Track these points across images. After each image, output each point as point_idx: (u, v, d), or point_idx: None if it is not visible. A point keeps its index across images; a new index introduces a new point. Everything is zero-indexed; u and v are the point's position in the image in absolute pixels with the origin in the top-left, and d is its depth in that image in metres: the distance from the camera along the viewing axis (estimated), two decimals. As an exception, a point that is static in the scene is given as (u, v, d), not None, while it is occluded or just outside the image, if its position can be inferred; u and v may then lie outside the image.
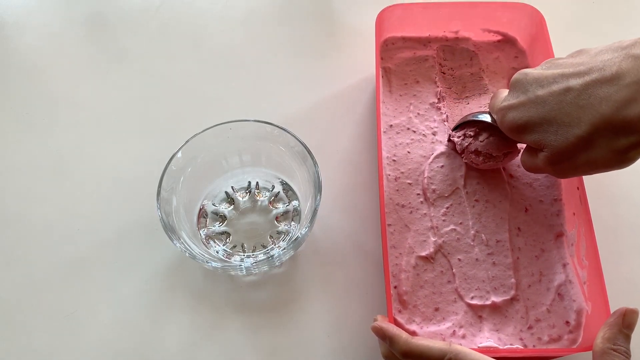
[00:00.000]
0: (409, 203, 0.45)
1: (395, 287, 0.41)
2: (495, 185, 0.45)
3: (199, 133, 0.44)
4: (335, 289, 0.45)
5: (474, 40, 0.54)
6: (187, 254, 0.40)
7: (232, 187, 0.49)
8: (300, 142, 0.43)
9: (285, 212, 0.48)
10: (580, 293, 0.40)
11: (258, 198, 0.48)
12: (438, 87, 0.51)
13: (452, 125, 0.49)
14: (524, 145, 0.40)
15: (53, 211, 0.49)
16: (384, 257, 0.39)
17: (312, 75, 0.57)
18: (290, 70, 0.58)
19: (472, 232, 0.44)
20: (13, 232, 0.48)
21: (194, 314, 0.44)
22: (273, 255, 0.41)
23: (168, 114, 0.55)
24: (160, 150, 0.45)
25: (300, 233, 0.41)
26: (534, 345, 0.39)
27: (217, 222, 0.47)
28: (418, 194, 0.45)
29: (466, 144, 0.44)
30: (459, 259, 0.43)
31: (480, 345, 0.39)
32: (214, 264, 0.40)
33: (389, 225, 0.44)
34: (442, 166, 0.46)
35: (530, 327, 0.40)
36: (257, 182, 0.49)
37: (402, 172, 0.46)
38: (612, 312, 0.35)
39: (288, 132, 0.44)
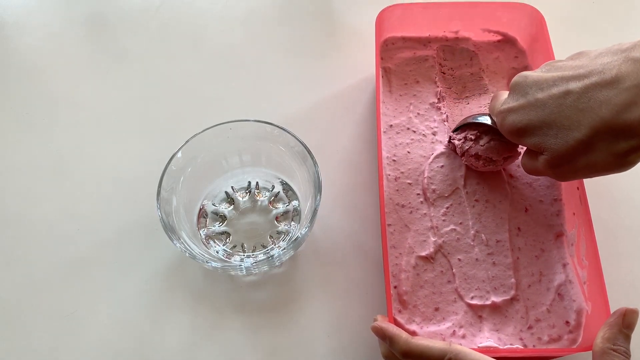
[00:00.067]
0: (409, 203, 0.45)
1: (395, 287, 0.41)
2: (495, 185, 0.45)
3: (199, 133, 0.44)
4: (335, 289, 0.45)
5: (474, 40, 0.54)
6: (187, 254, 0.40)
7: (232, 187, 0.49)
8: (300, 142, 0.43)
9: (285, 212, 0.48)
10: (580, 293, 0.40)
11: (258, 198, 0.48)
12: (438, 87, 0.51)
13: (452, 125, 0.49)
14: (525, 148, 0.40)
15: (53, 211, 0.49)
16: (384, 257, 0.39)
17: (312, 75, 0.57)
18: (290, 70, 0.58)
19: (472, 232, 0.44)
20: (13, 232, 0.48)
21: (194, 314, 0.44)
22: (273, 255, 0.41)
23: (168, 114, 0.55)
24: (160, 150, 0.45)
25: (300, 233, 0.41)
26: (534, 345, 0.39)
27: (217, 222, 0.47)
28: (418, 194, 0.45)
29: (467, 147, 0.44)
30: (459, 259, 0.43)
31: (480, 345, 0.39)
32: (214, 264, 0.40)
33: (389, 225, 0.44)
34: (442, 166, 0.46)
35: (530, 327, 0.40)
36: (257, 182, 0.49)
37: (402, 172, 0.46)
38: (612, 312, 0.35)
39: (288, 132, 0.44)
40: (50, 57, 0.59)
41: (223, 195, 0.48)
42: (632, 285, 0.44)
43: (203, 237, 0.46)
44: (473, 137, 0.43)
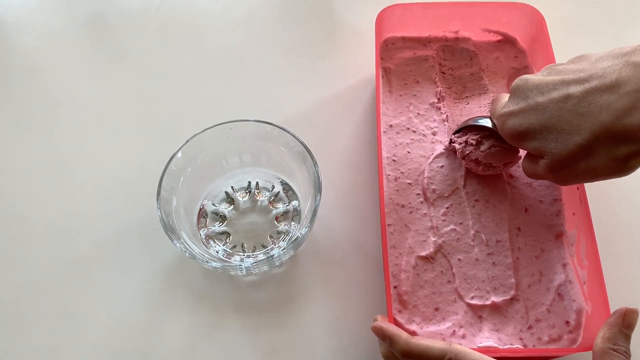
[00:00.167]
0: (409, 203, 0.45)
1: (395, 287, 0.41)
2: (495, 185, 0.45)
3: (199, 133, 0.44)
4: (335, 289, 0.45)
5: (474, 40, 0.54)
6: (187, 254, 0.40)
7: (232, 187, 0.49)
8: (300, 142, 0.43)
9: (285, 212, 0.48)
10: (580, 293, 0.40)
11: (258, 198, 0.48)
12: (438, 87, 0.51)
13: (452, 125, 0.49)
14: (525, 152, 0.40)
15: (53, 211, 0.49)
16: (384, 257, 0.39)
17: (312, 75, 0.57)
18: (290, 70, 0.58)
19: (472, 232, 0.44)
20: (13, 232, 0.48)
21: (194, 314, 0.44)
22: (273, 255, 0.41)
23: (168, 114, 0.55)
24: (160, 150, 0.45)
25: (300, 233, 0.41)
26: (534, 345, 0.39)
27: (217, 222, 0.47)
28: (418, 194, 0.45)
29: (467, 151, 0.43)
30: (459, 259, 0.43)
31: (480, 345, 0.39)
32: (214, 264, 0.40)
33: (389, 225, 0.44)
34: (442, 166, 0.46)
35: (530, 327, 0.40)
36: (257, 182, 0.49)
37: (402, 172, 0.46)
38: (612, 312, 0.35)
39: (288, 132, 0.44)
40: (50, 57, 0.59)
41: (223, 195, 0.48)
42: (632, 285, 0.44)
43: (203, 237, 0.46)
44: (474, 143, 0.43)
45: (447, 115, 0.49)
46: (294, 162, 0.46)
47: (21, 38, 0.61)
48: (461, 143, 0.44)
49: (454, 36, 0.54)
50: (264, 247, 0.46)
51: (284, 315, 0.44)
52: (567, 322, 0.40)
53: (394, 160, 0.47)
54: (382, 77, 0.52)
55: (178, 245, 0.40)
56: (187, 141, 0.43)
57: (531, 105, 0.35)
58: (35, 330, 0.44)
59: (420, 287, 0.42)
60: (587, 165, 0.34)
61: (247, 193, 0.49)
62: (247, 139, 0.46)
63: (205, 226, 0.47)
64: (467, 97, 0.51)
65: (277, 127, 0.44)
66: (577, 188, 0.42)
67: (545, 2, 0.55)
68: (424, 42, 0.54)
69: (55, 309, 0.44)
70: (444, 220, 0.44)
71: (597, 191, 0.47)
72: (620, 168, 0.33)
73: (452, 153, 0.47)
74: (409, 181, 0.46)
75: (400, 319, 0.40)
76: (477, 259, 0.42)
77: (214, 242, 0.46)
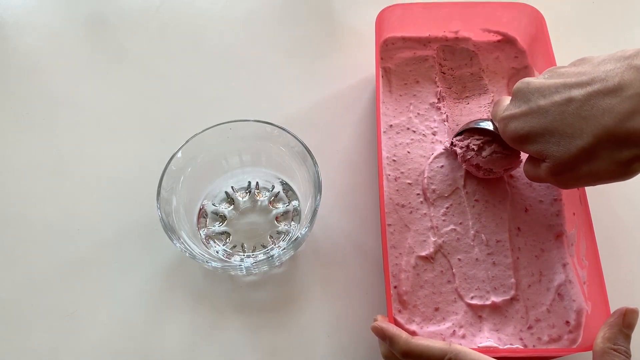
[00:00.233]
0: (409, 203, 0.45)
1: (395, 287, 0.41)
2: (495, 185, 0.45)
3: (199, 133, 0.44)
4: (335, 289, 0.45)
5: (474, 40, 0.54)
6: (187, 254, 0.40)
7: (232, 187, 0.49)
8: (300, 142, 0.43)
9: (285, 212, 0.48)
10: (580, 293, 0.40)
11: (258, 198, 0.48)
12: (438, 87, 0.51)
13: (452, 125, 0.49)
14: (527, 155, 0.40)
15: (53, 211, 0.49)
16: (384, 257, 0.39)
17: (312, 75, 0.57)
18: (290, 70, 0.58)
19: (472, 232, 0.44)
20: (13, 232, 0.48)
21: (194, 314, 0.44)
22: (273, 255, 0.41)
23: (168, 114, 0.55)
24: (160, 150, 0.45)
25: (300, 233, 0.41)
26: (534, 345, 0.39)
27: (217, 222, 0.47)
28: (418, 194, 0.45)
29: (468, 156, 0.43)
30: (459, 259, 0.43)
31: (480, 345, 0.39)
32: (214, 264, 0.40)
33: (389, 225, 0.44)
34: (442, 166, 0.46)
35: (530, 327, 0.40)
36: (257, 182, 0.49)
37: (402, 172, 0.46)
38: (612, 312, 0.35)
39: (288, 132, 0.44)
40: (50, 57, 0.59)
41: (223, 195, 0.48)
42: (632, 285, 0.44)
43: (203, 237, 0.46)
44: (475, 148, 0.43)
45: (447, 115, 0.49)
46: (294, 162, 0.46)
47: (21, 38, 0.61)
48: (462, 147, 0.44)
49: (454, 36, 0.54)
50: (264, 247, 0.46)
51: (284, 315, 0.44)
52: (567, 322, 0.40)
53: (394, 160, 0.47)
54: (382, 77, 0.52)
55: (178, 245, 0.40)
56: (187, 141, 0.43)
57: (533, 108, 0.35)
58: (35, 330, 0.44)
59: (420, 287, 0.42)
60: (590, 169, 0.33)
61: (247, 193, 0.49)
62: (247, 139, 0.46)
63: (205, 226, 0.47)
64: (467, 97, 0.51)
65: (277, 127, 0.44)
66: (577, 188, 0.42)
67: (545, 2, 0.55)
68: (424, 42, 0.54)
69: (55, 309, 0.44)
70: (444, 220, 0.44)
71: (597, 191, 0.47)
72: (623, 172, 0.33)
73: (453, 153, 0.47)
74: (409, 181, 0.46)
75: (400, 319, 0.40)
76: (477, 259, 0.42)
77: (214, 242, 0.46)
